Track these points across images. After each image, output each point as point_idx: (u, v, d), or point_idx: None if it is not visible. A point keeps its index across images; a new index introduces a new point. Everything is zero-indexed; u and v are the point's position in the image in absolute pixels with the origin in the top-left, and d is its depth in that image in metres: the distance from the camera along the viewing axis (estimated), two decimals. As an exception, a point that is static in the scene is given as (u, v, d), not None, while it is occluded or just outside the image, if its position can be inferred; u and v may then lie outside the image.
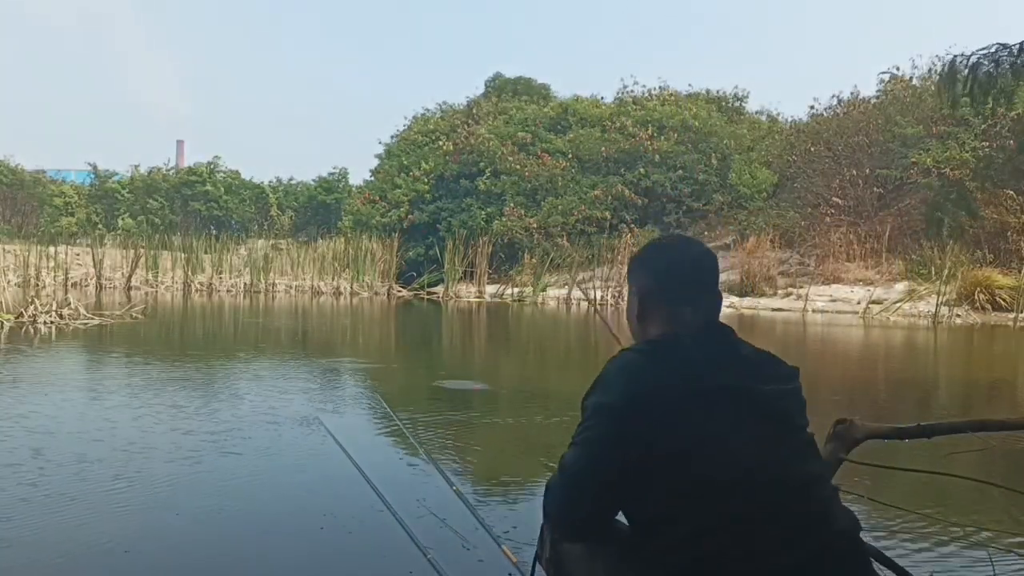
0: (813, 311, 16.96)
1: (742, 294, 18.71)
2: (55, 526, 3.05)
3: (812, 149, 22.06)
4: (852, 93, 23.16)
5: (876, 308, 16.43)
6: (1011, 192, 16.99)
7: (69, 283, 20.84)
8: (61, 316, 11.05)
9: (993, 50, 3.38)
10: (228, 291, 22.16)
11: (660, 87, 28.15)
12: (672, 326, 1.55)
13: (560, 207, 22.95)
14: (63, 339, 9.53)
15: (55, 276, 21.52)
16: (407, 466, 4.19)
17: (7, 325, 10.48)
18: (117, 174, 37.27)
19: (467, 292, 22.08)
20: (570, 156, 24.48)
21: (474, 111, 28.69)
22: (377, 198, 26.15)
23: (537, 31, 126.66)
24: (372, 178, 28.94)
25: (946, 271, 16.22)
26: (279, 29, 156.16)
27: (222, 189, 35.68)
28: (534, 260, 22.04)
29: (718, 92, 28.74)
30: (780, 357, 1.56)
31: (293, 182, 38.88)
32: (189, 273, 22.54)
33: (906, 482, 3.70)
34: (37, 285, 18.50)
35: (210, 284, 22.51)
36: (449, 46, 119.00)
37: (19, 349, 8.44)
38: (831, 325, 14.82)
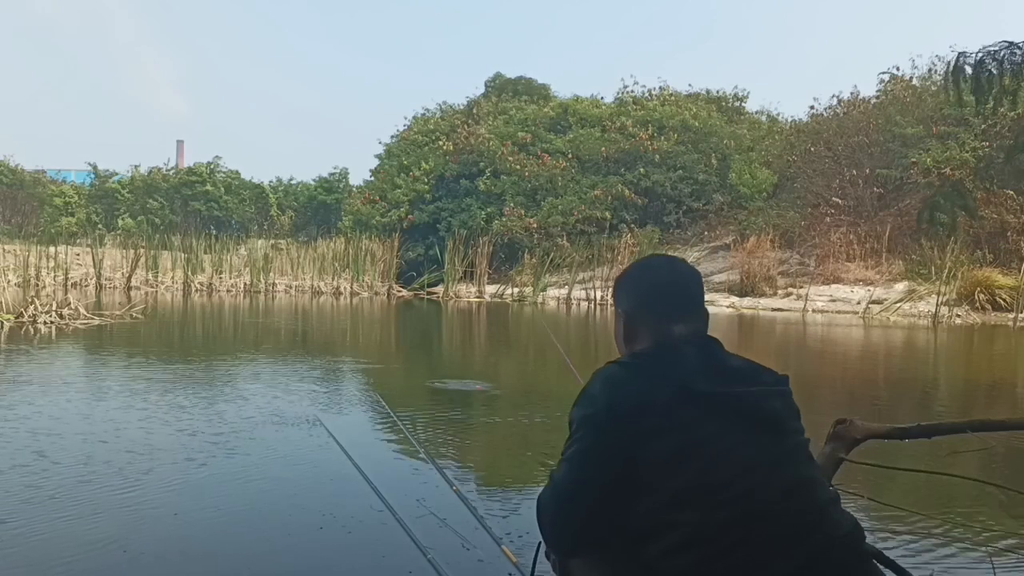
0: (813, 311, 16.95)
1: (742, 294, 18.70)
2: (55, 526, 3.05)
3: (812, 149, 22.06)
4: (852, 93, 23.18)
5: (876, 308, 16.42)
6: (1011, 192, 16.99)
7: (69, 283, 20.83)
8: (61, 316, 11.05)
9: (998, 48, 3.37)
10: (228, 291, 22.16)
11: (660, 87, 28.23)
12: (659, 343, 1.56)
13: (560, 207, 22.95)
14: (63, 339, 9.53)
15: (55, 276, 21.51)
16: (407, 466, 4.19)
17: (7, 325, 10.48)
18: (117, 174, 37.32)
19: (467, 292, 22.08)
20: (570, 156, 24.49)
21: (474, 111, 28.70)
22: (377, 198, 26.16)
23: (537, 31, 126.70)
24: (372, 178, 28.97)
25: (946, 271, 16.21)
26: (279, 29, 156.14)
27: (222, 189, 35.69)
28: (534, 260, 22.05)
29: (718, 92, 28.80)
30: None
31: (293, 182, 38.91)
32: (189, 273, 22.54)
33: (906, 482, 3.70)
34: (37, 285, 18.49)
35: (210, 284, 22.51)
36: (449, 46, 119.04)
37: (20, 349, 8.44)
38: (831, 325, 14.81)
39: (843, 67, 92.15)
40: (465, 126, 26.78)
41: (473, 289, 22.20)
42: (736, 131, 25.62)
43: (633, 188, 23.21)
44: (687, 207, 23.51)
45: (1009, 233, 17.06)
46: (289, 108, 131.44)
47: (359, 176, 44.18)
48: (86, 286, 21.15)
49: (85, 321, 11.13)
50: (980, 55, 3.41)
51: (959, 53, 3.47)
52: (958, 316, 15.45)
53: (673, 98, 26.91)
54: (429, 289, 22.98)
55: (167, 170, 37.00)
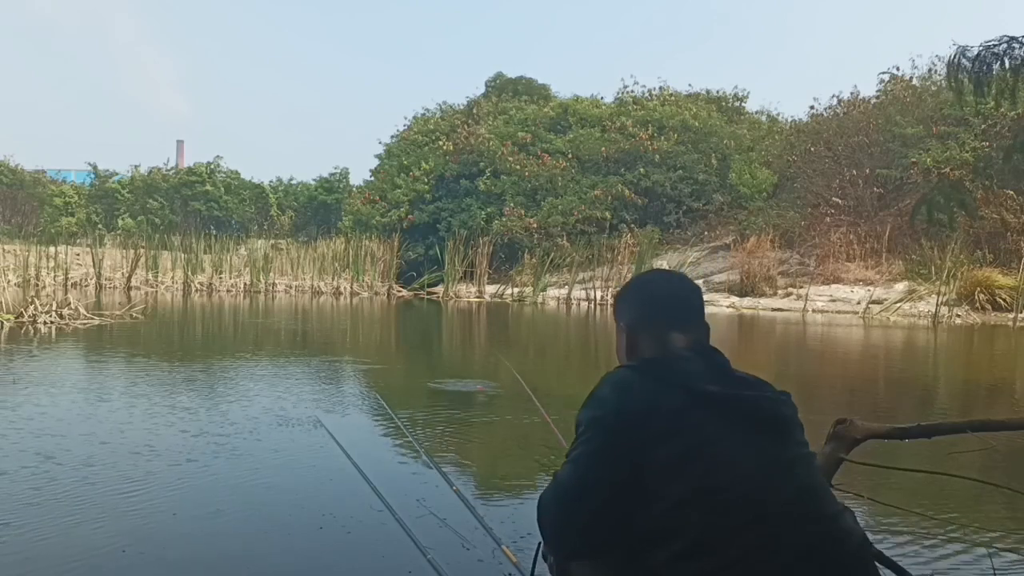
0: (813, 311, 16.95)
1: (742, 294, 18.70)
2: (57, 527, 3.05)
3: (812, 149, 22.05)
4: (852, 93, 23.17)
5: (876, 308, 16.42)
6: (1011, 192, 16.99)
7: (69, 283, 20.85)
8: (61, 316, 11.05)
9: (999, 43, 3.36)
10: (228, 291, 22.16)
11: (660, 87, 28.24)
12: (663, 352, 1.56)
13: (560, 207, 22.95)
14: (63, 339, 9.53)
15: (55, 276, 21.52)
16: (407, 466, 4.19)
17: (7, 325, 10.48)
18: (117, 174, 37.32)
19: (467, 292, 22.08)
20: (570, 156, 24.49)
21: (474, 111, 28.71)
22: (377, 198, 26.16)
23: (537, 31, 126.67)
24: (372, 178, 28.98)
25: (946, 271, 16.21)
26: (279, 29, 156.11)
27: (222, 189, 35.69)
28: (534, 260, 22.04)
29: (718, 92, 28.81)
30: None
31: (293, 182, 38.93)
32: (189, 273, 22.54)
33: (906, 482, 3.70)
34: (37, 285, 18.48)
35: (210, 284, 22.51)
36: (449, 46, 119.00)
37: (20, 349, 8.44)
38: (831, 325, 14.81)
39: (843, 67, 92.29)
40: (465, 126, 26.78)
41: (473, 289, 22.20)
42: (736, 131, 25.62)
43: (633, 188, 23.21)
44: (687, 207, 23.51)
45: (1009, 233, 17.05)
46: (289, 108, 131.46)
47: (359, 176, 44.21)
48: (86, 286, 21.15)
49: (85, 321, 11.13)
50: (980, 50, 3.40)
51: (959, 47, 3.46)
52: (958, 316, 15.45)
53: (673, 98, 26.91)
54: (429, 289, 22.97)
55: (167, 170, 37.01)
